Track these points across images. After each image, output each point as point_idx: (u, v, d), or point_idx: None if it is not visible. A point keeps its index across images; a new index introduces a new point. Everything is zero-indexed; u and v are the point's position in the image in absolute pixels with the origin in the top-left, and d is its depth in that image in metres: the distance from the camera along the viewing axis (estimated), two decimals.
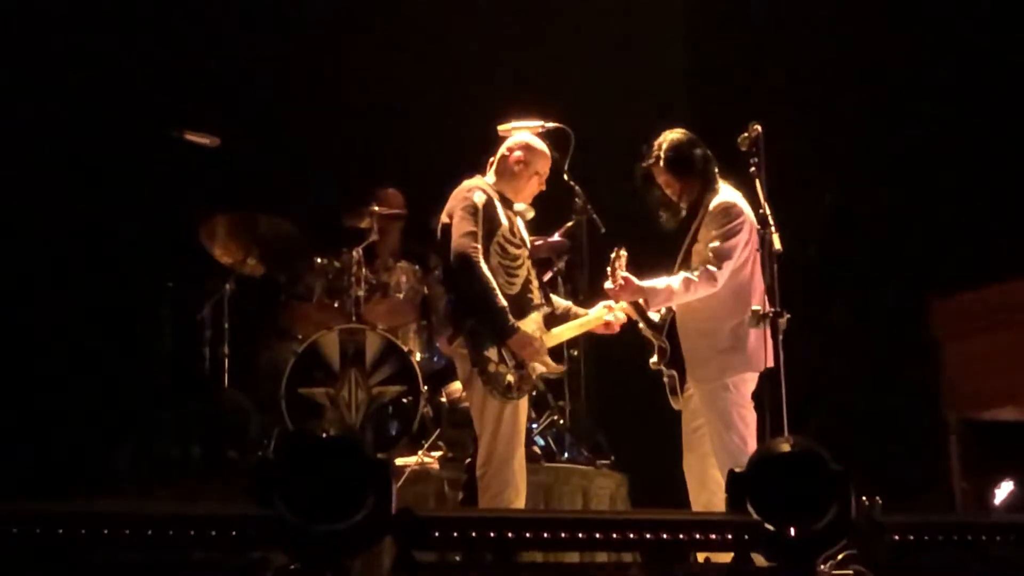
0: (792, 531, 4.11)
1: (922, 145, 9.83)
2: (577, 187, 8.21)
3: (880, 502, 4.34)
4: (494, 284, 6.98)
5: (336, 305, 9.16)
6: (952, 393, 8.37)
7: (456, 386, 8.46)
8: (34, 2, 9.64)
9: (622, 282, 6.96)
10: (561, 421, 8.95)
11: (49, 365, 9.29)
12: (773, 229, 6.73)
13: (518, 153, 7.34)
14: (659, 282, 6.97)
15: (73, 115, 9.58)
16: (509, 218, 7.22)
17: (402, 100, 10.37)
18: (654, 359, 7.15)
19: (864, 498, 4.26)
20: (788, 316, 6.72)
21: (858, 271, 9.91)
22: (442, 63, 10.37)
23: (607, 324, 7.33)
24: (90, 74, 9.69)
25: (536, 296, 7.29)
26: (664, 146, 7.15)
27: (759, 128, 6.91)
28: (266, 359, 9.22)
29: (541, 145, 7.44)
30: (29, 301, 9.34)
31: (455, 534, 4.23)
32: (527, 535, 4.27)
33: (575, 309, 7.46)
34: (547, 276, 8.78)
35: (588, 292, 8.39)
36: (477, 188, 7.18)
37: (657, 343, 7.12)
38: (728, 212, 6.98)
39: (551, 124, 8.02)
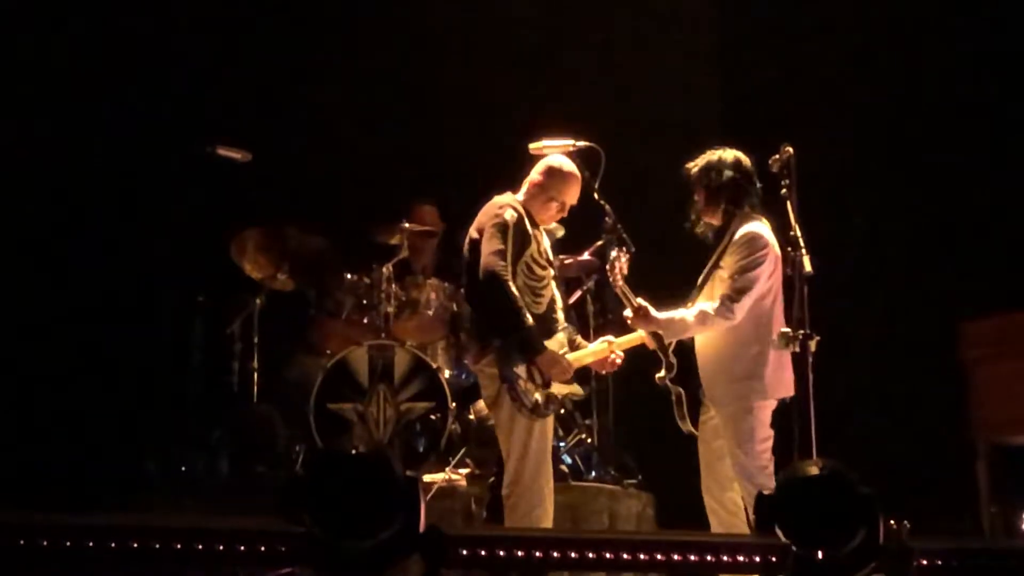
0: (820, 554, 4.09)
1: (953, 168, 9.80)
2: (607, 206, 8.20)
3: (908, 526, 4.33)
4: (522, 303, 6.98)
5: (365, 321, 9.18)
6: (981, 417, 8.35)
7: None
8: (67, 19, 9.69)
9: (640, 309, 6.96)
10: (588, 440, 8.96)
11: (79, 378, 9.32)
12: (804, 251, 6.71)
13: (536, 176, 7.32)
14: (675, 314, 6.97)
15: (105, 130, 9.63)
16: (536, 238, 7.22)
17: (436, 116, 10.40)
18: (660, 374, 7.15)
19: (892, 522, 4.25)
20: (818, 338, 6.71)
21: (887, 293, 9.89)
22: (477, 80, 10.39)
23: (603, 362, 7.35)
24: (123, 90, 9.74)
25: (560, 317, 7.30)
26: (705, 160, 7.16)
27: (791, 150, 6.90)
28: (295, 374, 9.23)
29: (567, 168, 7.37)
30: (60, 315, 9.37)
31: (483, 553, 4.23)
32: (554, 555, 4.27)
33: (579, 340, 7.44)
34: (576, 295, 8.79)
35: (617, 312, 8.39)
36: (508, 206, 7.17)
37: (664, 359, 7.12)
38: (753, 243, 6.96)
39: (582, 143, 8.01)
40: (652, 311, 6.97)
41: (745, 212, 7.11)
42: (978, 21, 9.83)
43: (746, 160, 7.17)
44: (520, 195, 7.32)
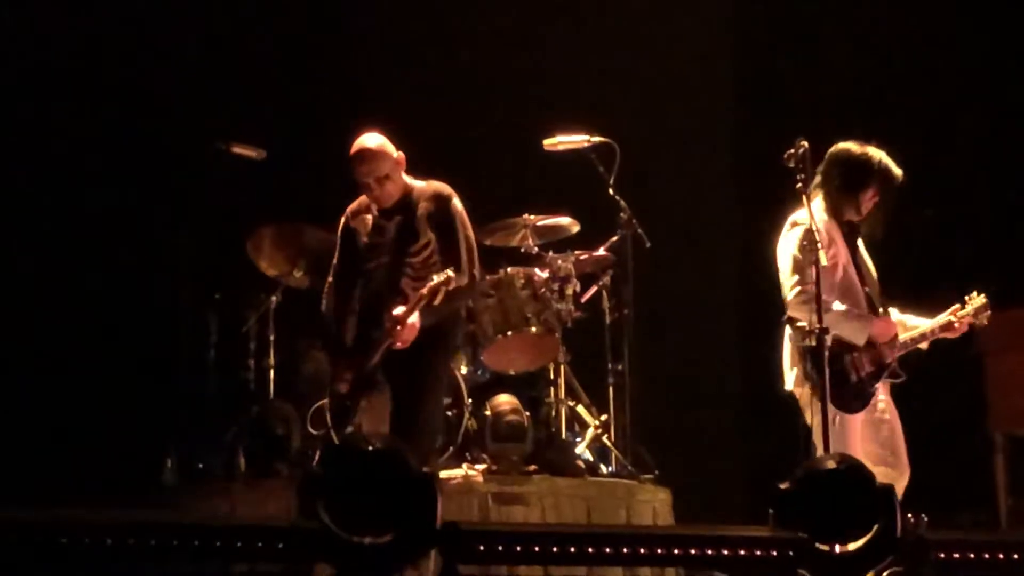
0: (837, 548, 4.09)
1: (970, 159, 9.78)
2: (623, 202, 8.20)
3: (926, 519, 4.33)
4: (327, 319, 7.27)
5: None
6: (998, 410, 8.35)
7: (501, 399, 8.49)
8: (83, 19, 9.70)
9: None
10: (605, 435, 8.94)
11: (95, 376, 9.34)
12: (820, 245, 6.72)
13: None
14: None
15: (122, 129, 9.64)
16: (380, 227, 7.26)
17: (448, 115, 10.39)
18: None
19: (910, 515, 4.24)
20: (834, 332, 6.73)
21: (903, 286, 9.87)
22: (490, 80, 10.37)
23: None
24: (139, 88, 9.75)
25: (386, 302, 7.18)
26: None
27: (806, 144, 6.90)
28: (311, 371, 9.23)
29: (357, 147, 7.31)
30: (76, 313, 9.39)
31: (500, 548, 4.23)
32: (571, 549, 4.27)
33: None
34: (592, 290, 8.78)
35: (633, 306, 8.39)
36: (342, 216, 7.37)
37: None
38: None
39: (597, 138, 8.01)
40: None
41: None
42: (993, 17, 9.82)
43: None
44: None
